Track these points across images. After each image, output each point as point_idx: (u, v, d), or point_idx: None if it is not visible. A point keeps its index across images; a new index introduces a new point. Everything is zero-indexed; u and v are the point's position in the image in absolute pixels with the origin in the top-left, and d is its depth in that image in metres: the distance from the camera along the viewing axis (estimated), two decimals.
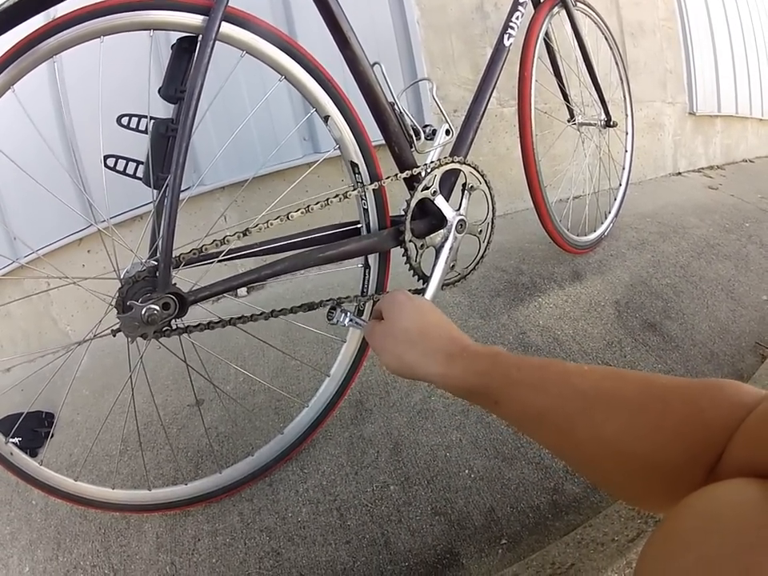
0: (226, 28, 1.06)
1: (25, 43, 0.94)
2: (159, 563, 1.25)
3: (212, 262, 1.12)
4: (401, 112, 1.26)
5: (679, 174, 3.44)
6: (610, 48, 2.33)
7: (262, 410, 1.60)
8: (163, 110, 1.17)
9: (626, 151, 2.52)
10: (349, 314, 1.14)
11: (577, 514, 1.21)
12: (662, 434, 0.52)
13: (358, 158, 1.24)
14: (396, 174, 1.27)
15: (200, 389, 1.65)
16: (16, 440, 1.21)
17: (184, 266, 1.09)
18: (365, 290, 1.37)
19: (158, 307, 1.03)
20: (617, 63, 2.38)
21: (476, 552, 1.17)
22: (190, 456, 1.50)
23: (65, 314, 2.22)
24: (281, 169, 2.20)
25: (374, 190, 1.25)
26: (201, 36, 1.04)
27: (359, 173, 1.25)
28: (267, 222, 1.11)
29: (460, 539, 1.19)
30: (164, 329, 1.09)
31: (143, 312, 1.01)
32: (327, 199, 1.16)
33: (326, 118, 1.21)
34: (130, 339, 1.08)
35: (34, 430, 1.68)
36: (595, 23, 2.22)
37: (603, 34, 2.28)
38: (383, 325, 0.87)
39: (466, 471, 1.32)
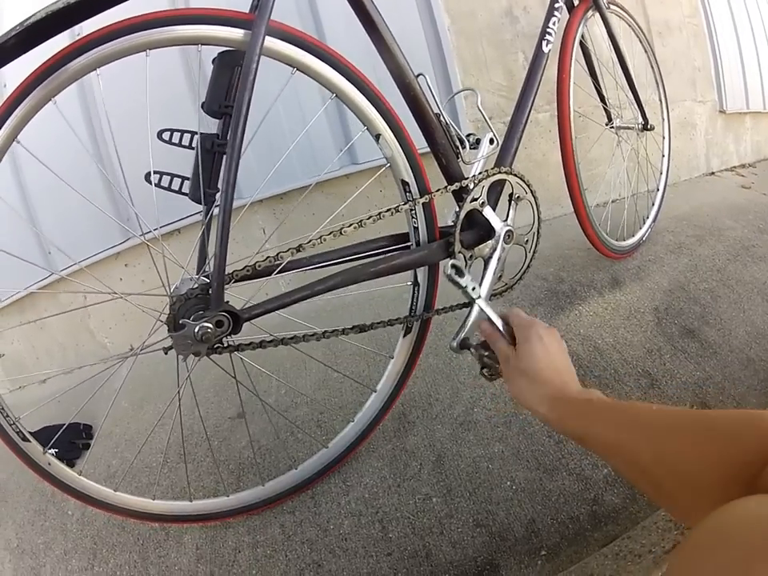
0: (272, 43, 1.06)
1: (66, 53, 0.96)
2: (198, 574, 1.26)
3: (264, 278, 1.12)
4: (447, 123, 1.26)
5: (712, 173, 3.40)
6: (645, 50, 2.31)
7: (304, 423, 1.60)
8: (197, 122, 1.17)
9: (663, 155, 2.49)
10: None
11: (615, 525, 1.20)
12: (708, 456, 0.59)
13: (409, 176, 1.24)
14: (445, 187, 1.27)
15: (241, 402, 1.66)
16: (53, 451, 1.22)
17: (235, 282, 1.09)
18: (414, 307, 1.37)
19: (211, 325, 1.02)
20: (651, 66, 2.36)
21: (516, 563, 1.16)
22: (231, 468, 1.50)
23: (103, 327, 2.25)
24: (319, 181, 2.18)
25: (423, 203, 1.25)
26: (245, 51, 1.04)
27: (410, 191, 1.25)
28: (321, 237, 1.12)
29: (500, 551, 1.19)
30: (216, 346, 1.09)
31: (197, 330, 1.01)
32: (379, 213, 1.17)
33: (377, 137, 1.21)
34: (182, 357, 1.08)
35: (71, 441, 1.70)
36: (629, 25, 2.21)
37: (637, 35, 2.26)
38: (517, 359, 0.97)
39: (508, 483, 1.31)
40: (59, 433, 1.42)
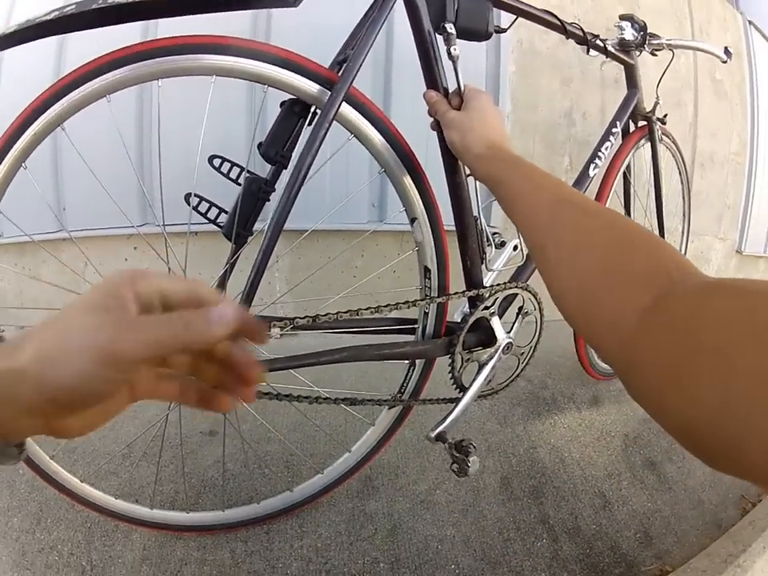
0: (343, 107, 1.11)
1: (132, 53, 0.99)
2: (141, 574, 1.34)
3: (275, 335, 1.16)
4: (482, 228, 1.33)
5: None
6: (681, 182, 2.44)
7: (273, 460, 1.71)
8: (248, 160, 1.25)
9: None
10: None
11: None
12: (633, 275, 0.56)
13: (432, 264, 1.31)
14: (463, 291, 1.34)
15: (215, 420, 1.77)
16: None
17: None
18: (404, 388, 1.46)
19: None
20: (684, 197, 2.50)
21: None
22: (193, 483, 1.61)
23: None
24: (342, 229, 2.28)
25: (438, 304, 1.34)
26: (317, 109, 1.12)
27: (429, 278, 1.33)
28: (337, 313, 1.19)
29: None
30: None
31: None
32: (396, 304, 1.23)
33: (412, 220, 1.28)
34: None
35: None
36: (672, 155, 2.33)
37: (678, 166, 2.39)
38: (465, 112, 1.08)
39: (453, 566, 1.43)
40: None
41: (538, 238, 0.72)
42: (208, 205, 1.31)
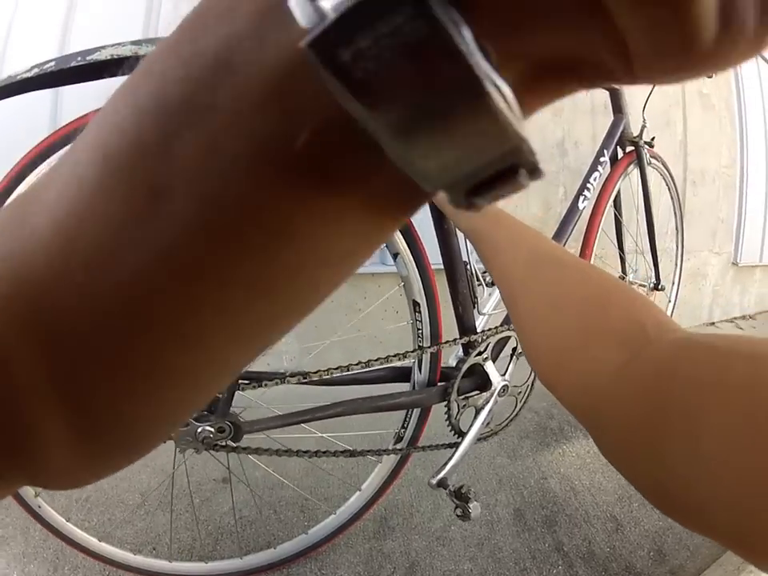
0: None
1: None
2: None
3: (267, 386, 1.19)
4: (472, 273, 1.34)
5: (713, 323, 3.60)
6: (672, 199, 2.46)
7: (288, 505, 1.74)
8: None
9: (669, 301, 2.60)
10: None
11: None
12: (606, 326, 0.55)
13: (421, 298, 1.31)
14: (455, 339, 1.35)
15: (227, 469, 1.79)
16: None
17: (240, 390, 1.18)
18: (404, 427, 1.47)
19: (213, 430, 1.12)
20: (675, 214, 2.52)
21: None
22: (210, 530, 1.63)
23: None
24: None
25: (431, 353, 1.35)
26: None
27: (420, 311, 1.33)
28: (328, 370, 1.21)
29: None
30: (214, 445, 1.18)
31: (198, 431, 1.11)
32: (387, 357, 1.25)
33: (395, 255, 1.28)
34: (179, 449, 1.18)
35: None
36: (662, 175, 2.34)
37: (668, 186, 2.41)
38: None
39: None
40: None
41: (514, 294, 0.70)
42: None
